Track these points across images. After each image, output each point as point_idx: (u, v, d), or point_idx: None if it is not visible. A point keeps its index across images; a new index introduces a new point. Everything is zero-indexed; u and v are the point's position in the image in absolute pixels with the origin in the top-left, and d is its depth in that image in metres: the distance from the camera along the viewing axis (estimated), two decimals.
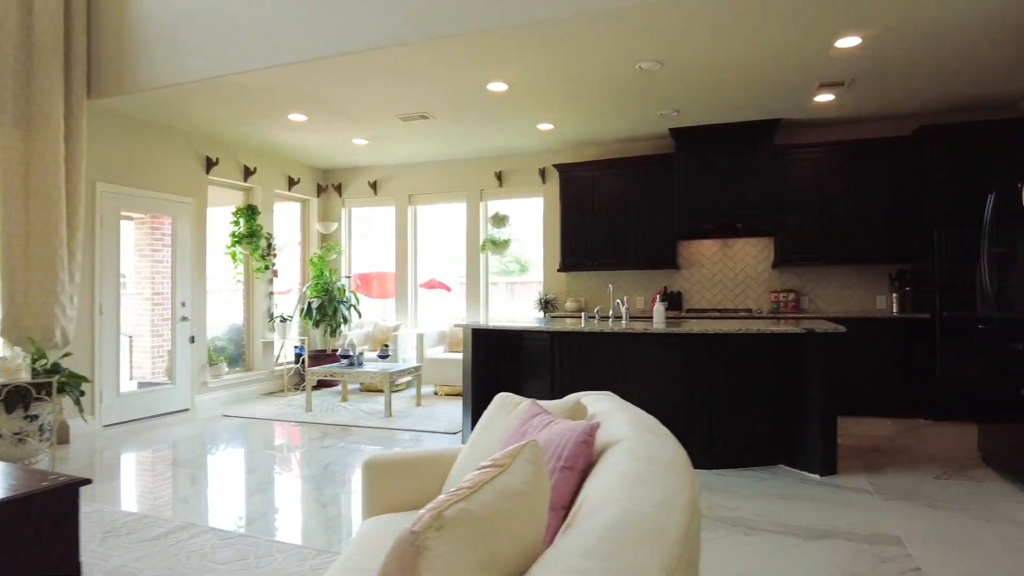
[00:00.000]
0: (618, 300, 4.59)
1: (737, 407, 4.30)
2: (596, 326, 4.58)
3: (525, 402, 2.15)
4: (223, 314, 8.70)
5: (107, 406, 5.96)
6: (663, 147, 7.12)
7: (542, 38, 4.32)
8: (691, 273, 7.08)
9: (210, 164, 7.01)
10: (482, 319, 7.94)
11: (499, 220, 7.59)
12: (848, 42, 4.43)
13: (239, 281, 7.47)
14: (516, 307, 8.78)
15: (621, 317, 5.29)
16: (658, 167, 6.84)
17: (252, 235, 7.35)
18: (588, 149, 7.50)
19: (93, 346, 5.85)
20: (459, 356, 7.22)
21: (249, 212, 7.39)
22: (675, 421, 4.35)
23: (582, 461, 1.50)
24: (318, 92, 5.45)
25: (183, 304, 6.74)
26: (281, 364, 8.35)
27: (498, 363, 5.08)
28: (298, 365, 8.18)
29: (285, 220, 8.86)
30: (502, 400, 2.28)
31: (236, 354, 7.96)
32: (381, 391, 7.62)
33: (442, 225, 8.69)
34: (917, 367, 5.80)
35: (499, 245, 7.61)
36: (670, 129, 6.65)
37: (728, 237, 6.91)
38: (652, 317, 5.22)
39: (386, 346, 6.50)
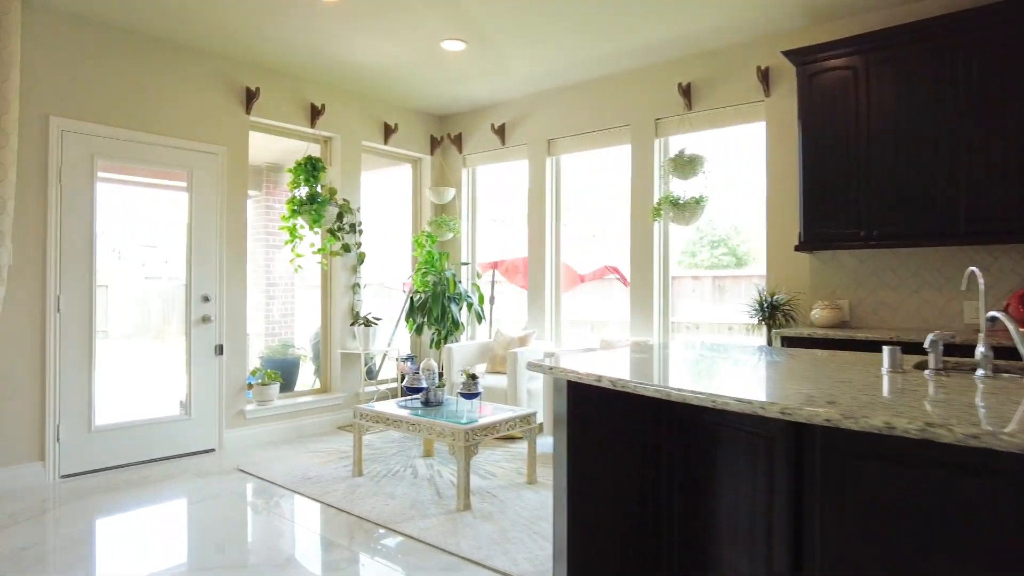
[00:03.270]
0: (991, 314, 1.68)
1: None
2: (951, 410, 1.31)
3: None
4: (308, 316, 6.69)
5: (69, 447, 4.00)
6: None
7: None
8: None
9: (250, 97, 4.84)
10: (656, 332, 4.80)
11: (683, 164, 4.40)
12: None
13: (299, 268, 5.22)
14: (726, 314, 5.46)
15: (983, 354, 1.78)
16: (1000, 33, 3.15)
17: (312, 201, 5.06)
18: (849, 20, 3.98)
19: (44, 357, 3.92)
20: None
21: (310, 168, 5.11)
22: None
23: None
24: None
25: (205, 299, 4.64)
26: (384, 382, 6.07)
27: (629, 466, 2.01)
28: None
29: (394, 187, 6.57)
30: None
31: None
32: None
33: (599, 183, 5.71)
34: None
35: (683, 208, 4.42)
36: None
37: None
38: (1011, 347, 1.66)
39: (473, 376, 3.69)
